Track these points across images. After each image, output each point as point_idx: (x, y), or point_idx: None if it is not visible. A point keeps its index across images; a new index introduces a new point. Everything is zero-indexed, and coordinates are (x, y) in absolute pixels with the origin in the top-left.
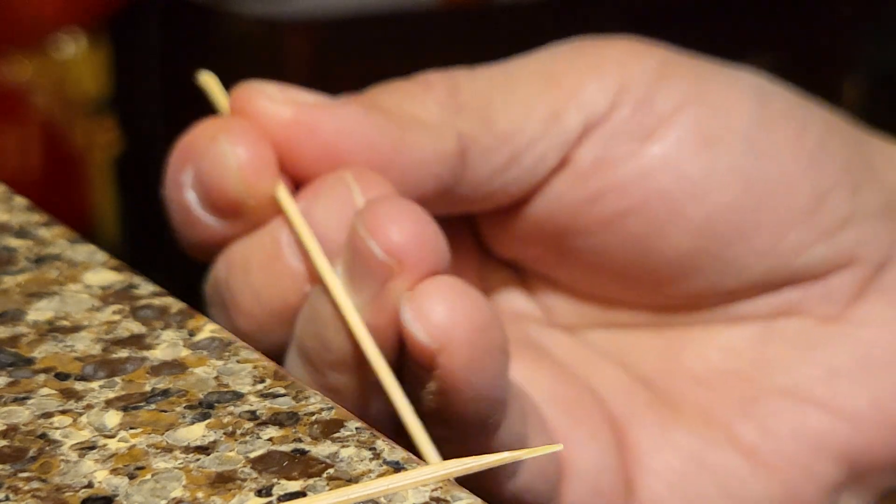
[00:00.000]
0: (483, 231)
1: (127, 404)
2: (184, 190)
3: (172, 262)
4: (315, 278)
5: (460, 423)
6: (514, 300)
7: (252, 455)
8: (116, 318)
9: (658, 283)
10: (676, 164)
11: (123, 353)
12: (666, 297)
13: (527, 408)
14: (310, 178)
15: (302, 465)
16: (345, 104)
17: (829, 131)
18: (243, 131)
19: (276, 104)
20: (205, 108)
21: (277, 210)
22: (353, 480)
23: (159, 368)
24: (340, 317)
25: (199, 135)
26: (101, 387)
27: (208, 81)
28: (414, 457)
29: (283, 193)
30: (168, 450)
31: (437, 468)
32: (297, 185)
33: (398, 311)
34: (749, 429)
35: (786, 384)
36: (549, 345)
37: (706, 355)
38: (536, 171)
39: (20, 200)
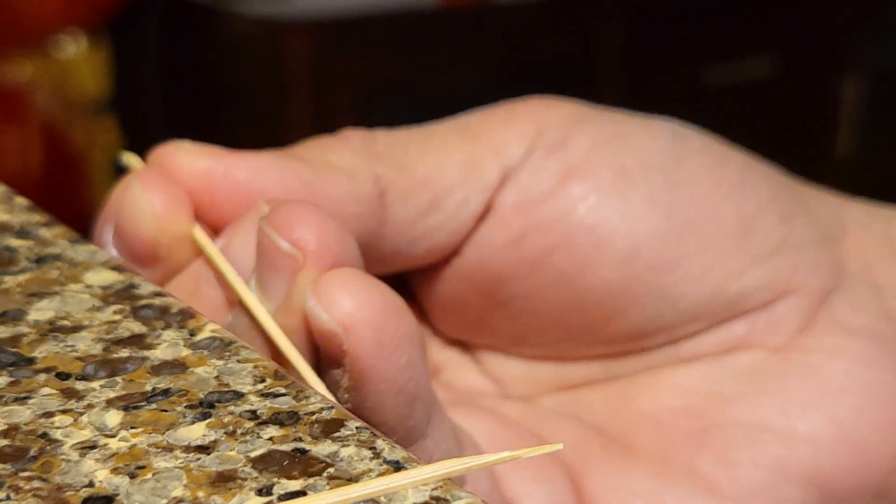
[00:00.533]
0: (424, 301)
1: (128, 404)
2: (106, 248)
3: None
4: (234, 303)
5: (380, 427)
6: (465, 378)
7: (252, 454)
8: (117, 317)
9: (597, 323)
10: (596, 198)
11: (124, 353)
12: (610, 340)
13: (460, 434)
14: (228, 223)
15: (302, 464)
16: (259, 153)
17: (749, 165)
18: (155, 176)
19: (191, 156)
20: (204, 108)
21: (196, 254)
22: (353, 480)
23: (160, 368)
24: (256, 326)
25: (117, 189)
26: (101, 386)
27: (130, 160)
28: (413, 456)
29: (199, 233)
30: (169, 449)
31: (437, 467)
32: (217, 233)
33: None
34: (708, 462)
35: (741, 416)
36: (501, 410)
37: (659, 397)
38: (460, 216)
39: (21, 200)
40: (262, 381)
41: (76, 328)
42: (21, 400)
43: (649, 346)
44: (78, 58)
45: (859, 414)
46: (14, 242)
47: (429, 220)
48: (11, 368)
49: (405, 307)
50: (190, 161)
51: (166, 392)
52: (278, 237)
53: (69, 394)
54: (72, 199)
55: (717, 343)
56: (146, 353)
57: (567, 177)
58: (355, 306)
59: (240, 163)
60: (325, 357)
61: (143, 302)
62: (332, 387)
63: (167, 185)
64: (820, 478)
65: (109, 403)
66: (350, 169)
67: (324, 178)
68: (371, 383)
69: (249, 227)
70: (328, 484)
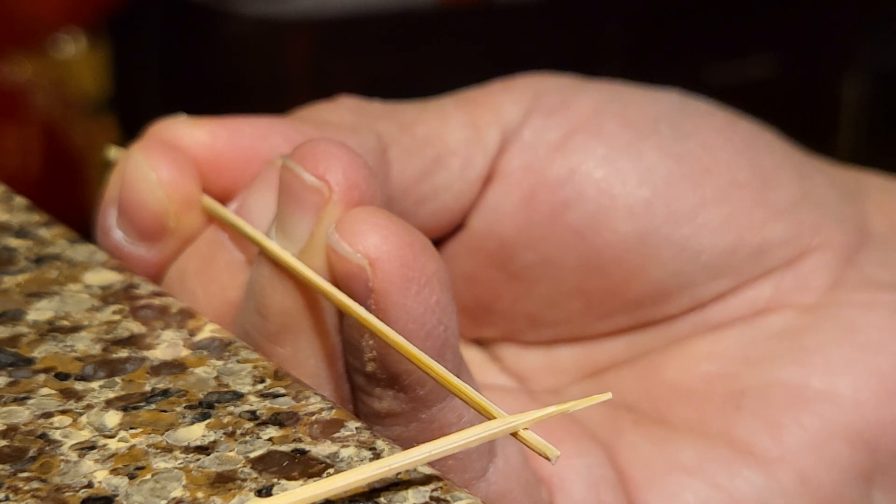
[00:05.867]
0: None
1: (127, 404)
2: (111, 232)
3: None
4: (253, 263)
5: (408, 376)
6: (486, 377)
7: (252, 455)
8: (116, 317)
9: (618, 285)
10: (604, 149)
11: (123, 353)
12: (632, 305)
13: (490, 399)
14: (237, 191)
15: (302, 465)
16: (258, 116)
17: (760, 129)
18: (157, 144)
19: (191, 127)
20: (204, 108)
21: (206, 223)
22: None
23: (159, 368)
24: (280, 272)
25: (117, 168)
26: (101, 387)
27: (118, 154)
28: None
29: (208, 200)
30: (168, 450)
31: (481, 429)
32: (226, 203)
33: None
34: (749, 426)
35: (779, 377)
36: (528, 406)
37: (690, 367)
38: (466, 177)
39: (20, 200)
40: (262, 381)
41: (75, 328)
42: (20, 400)
43: (673, 311)
44: (78, 58)
45: None
46: (13, 242)
47: (434, 180)
48: (10, 369)
49: (433, 247)
50: (190, 131)
51: (165, 392)
52: (303, 171)
53: (68, 394)
54: (71, 199)
55: (744, 306)
56: (145, 353)
57: (572, 132)
58: (381, 240)
59: (242, 126)
60: (349, 293)
61: (143, 302)
62: (358, 335)
63: (171, 151)
64: (868, 433)
65: (109, 404)
66: (351, 125)
67: (329, 133)
68: (399, 323)
69: (266, 181)
70: None
